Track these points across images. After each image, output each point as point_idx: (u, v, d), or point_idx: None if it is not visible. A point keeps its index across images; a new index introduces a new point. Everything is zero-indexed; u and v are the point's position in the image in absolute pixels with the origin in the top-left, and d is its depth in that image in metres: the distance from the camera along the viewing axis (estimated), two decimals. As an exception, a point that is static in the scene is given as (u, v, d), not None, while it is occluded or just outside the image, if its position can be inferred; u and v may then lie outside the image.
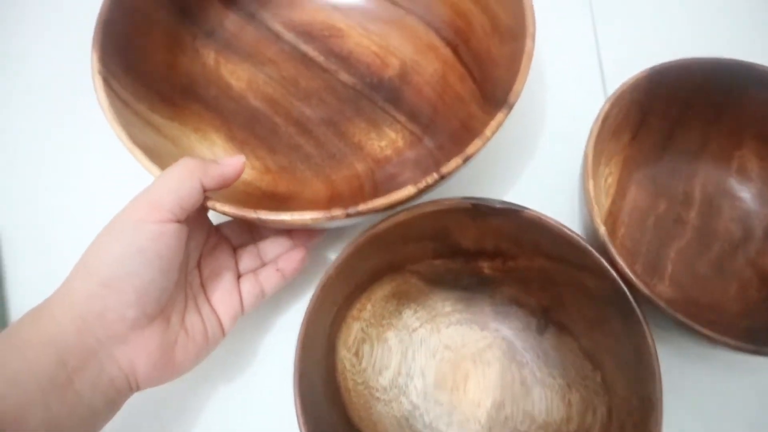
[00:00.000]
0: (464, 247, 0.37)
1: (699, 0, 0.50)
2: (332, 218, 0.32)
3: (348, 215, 0.32)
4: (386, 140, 0.43)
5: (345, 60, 0.46)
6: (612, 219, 0.41)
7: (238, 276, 0.38)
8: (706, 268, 0.40)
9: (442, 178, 0.33)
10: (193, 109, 0.42)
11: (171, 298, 0.32)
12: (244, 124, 0.43)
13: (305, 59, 0.46)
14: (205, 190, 0.32)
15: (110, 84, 0.37)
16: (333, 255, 0.43)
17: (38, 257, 0.44)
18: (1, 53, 0.52)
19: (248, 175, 0.41)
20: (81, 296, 0.29)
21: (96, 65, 0.36)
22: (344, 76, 0.45)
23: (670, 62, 0.38)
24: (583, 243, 0.33)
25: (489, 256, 0.38)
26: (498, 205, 0.34)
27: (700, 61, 0.38)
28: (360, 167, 0.42)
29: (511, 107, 0.35)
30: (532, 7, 0.37)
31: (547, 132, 0.46)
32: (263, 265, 0.39)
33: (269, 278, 0.38)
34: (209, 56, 0.45)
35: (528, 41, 0.36)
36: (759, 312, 0.37)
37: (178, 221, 0.31)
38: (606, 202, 0.41)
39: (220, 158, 0.35)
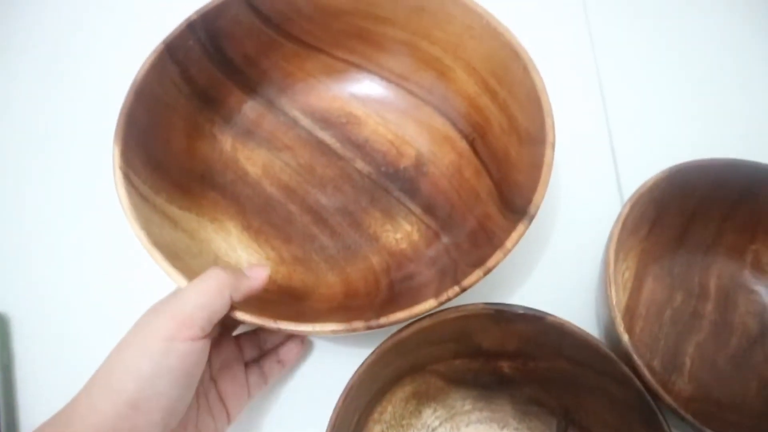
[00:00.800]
0: (485, 348, 0.38)
1: (712, 104, 0.52)
2: (353, 330, 0.32)
3: (369, 328, 0.32)
4: (401, 233, 0.43)
5: (361, 148, 0.46)
6: (629, 313, 0.41)
7: (245, 364, 0.38)
8: (725, 363, 0.40)
9: (463, 290, 0.33)
10: (209, 197, 0.42)
11: (189, 406, 0.32)
12: (259, 212, 0.44)
13: (322, 146, 0.46)
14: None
15: (130, 179, 0.36)
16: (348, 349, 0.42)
17: (48, 346, 0.43)
18: (20, 136, 0.52)
19: (263, 266, 0.41)
20: (107, 417, 0.28)
21: (117, 160, 0.36)
22: (360, 165, 0.46)
23: (688, 162, 0.40)
24: (607, 351, 0.33)
25: (510, 356, 0.38)
26: (521, 311, 0.35)
27: (716, 162, 0.40)
28: (375, 260, 0.42)
29: (531, 219, 0.35)
30: (551, 114, 0.38)
31: (562, 233, 0.46)
32: (263, 353, 0.39)
33: (272, 369, 0.39)
34: (226, 142, 0.45)
35: (548, 150, 0.37)
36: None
37: (206, 336, 0.30)
38: (624, 297, 0.42)
39: (248, 267, 0.35)
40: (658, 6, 0.57)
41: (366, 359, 0.33)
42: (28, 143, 0.51)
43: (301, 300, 0.39)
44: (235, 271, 0.33)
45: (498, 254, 0.34)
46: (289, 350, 0.39)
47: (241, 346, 0.38)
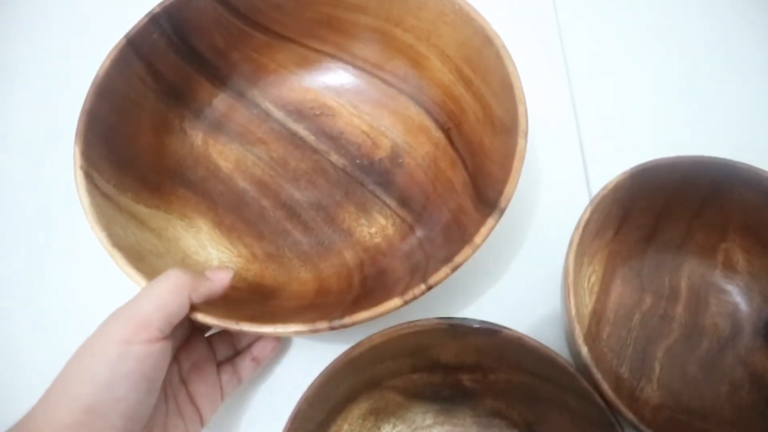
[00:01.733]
0: (443, 362, 0.36)
1: (681, 100, 0.50)
2: (316, 331, 0.32)
3: (332, 328, 0.32)
4: (376, 227, 0.42)
5: (335, 140, 0.45)
6: (597, 318, 0.40)
7: (217, 364, 0.37)
8: (695, 368, 0.39)
9: (429, 288, 0.33)
10: (179, 194, 0.42)
11: (154, 409, 0.31)
12: (231, 208, 0.43)
13: (295, 139, 0.45)
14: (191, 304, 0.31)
15: (92, 178, 0.36)
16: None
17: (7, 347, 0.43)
18: None
19: (235, 264, 0.40)
20: (65, 424, 0.27)
21: (78, 160, 0.36)
22: (335, 157, 0.45)
23: (651, 162, 0.37)
24: (566, 365, 0.32)
25: (469, 369, 0.36)
26: (476, 326, 0.33)
27: (681, 160, 0.37)
28: (349, 256, 0.41)
29: (502, 212, 0.34)
30: (524, 101, 0.37)
31: (531, 232, 0.45)
32: (237, 352, 0.39)
33: (246, 368, 0.38)
34: (197, 137, 0.44)
35: (521, 140, 0.36)
36: (751, 419, 0.36)
37: (165, 338, 0.30)
38: (590, 302, 0.40)
39: (210, 270, 0.34)
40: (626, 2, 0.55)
41: (314, 380, 0.32)
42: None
43: (271, 298, 0.39)
44: (196, 272, 0.33)
45: (466, 250, 0.33)
46: (263, 347, 0.39)
47: (213, 347, 0.38)
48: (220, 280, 0.33)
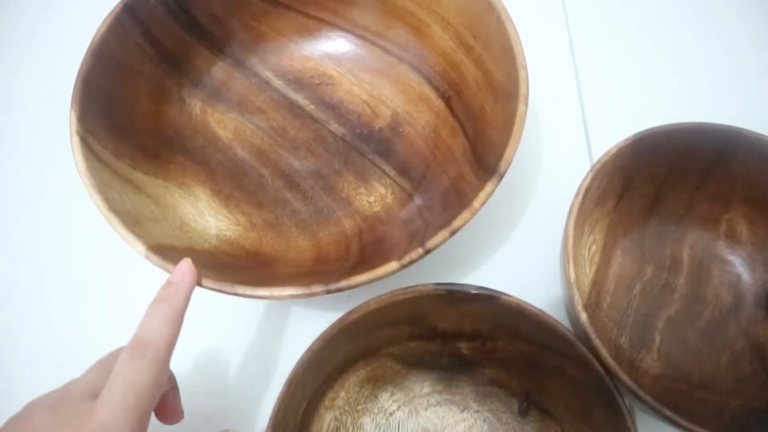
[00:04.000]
0: (441, 330, 0.36)
1: (684, 66, 0.49)
2: (312, 294, 0.31)
3: (328, 292, 0.32)
4: (375, 195, 0.42)
5: (335, 109, 0.45)
6: (597, 288, 0.39)
7: None
8: (696, 338, 0.38)
9: (427, 252, 0.32)
10: (177, 162, 0.41)
11: None
12: (230, 177, 0.43)
13: (294, 108, 0.45)
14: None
15: (89, 143, 0.36)
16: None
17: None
18: None
19: (233, 232, 0.40)
20: None
21: (74, 125, 0.35)
22: (334, 126, 0.44)
23: (653, 129, 0.36)
24: (565, 331, 0.31)
25: (467, 337, 0.36)
26: (474, 291, 0.32)
27: (684, 127, 0.36)
28: (348, 224, 0.41)
29: (501, 177, 0.34)
30: (525, 66, 0.36)
31: (533, 200, 0.44)
32: None
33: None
34: (196, 105, 0.44)
35: (521, 105, 0.35)
36: (751, 389, 0.36)
37: None
38: (590, 272, 0.39)
39: (174, 270, 0.31)
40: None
41: (310, 346, 0.31)
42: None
43: (268, 265, 0.38)
44: (163, 290, 0.30)
45: (465, 214, 0.33)
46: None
47: None
48: (188, 275, 0.31)
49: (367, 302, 0.32)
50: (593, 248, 0.40)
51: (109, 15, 0.38)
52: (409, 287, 0.33)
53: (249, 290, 0.31)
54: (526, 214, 0.44)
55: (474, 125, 0.40)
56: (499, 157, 0.34)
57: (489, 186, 0.33)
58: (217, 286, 0.32)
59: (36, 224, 0.45)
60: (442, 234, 0.32)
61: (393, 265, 0.32)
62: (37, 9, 0.55)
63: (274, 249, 0.40)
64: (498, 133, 0.37)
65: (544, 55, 0.48)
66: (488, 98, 0.40)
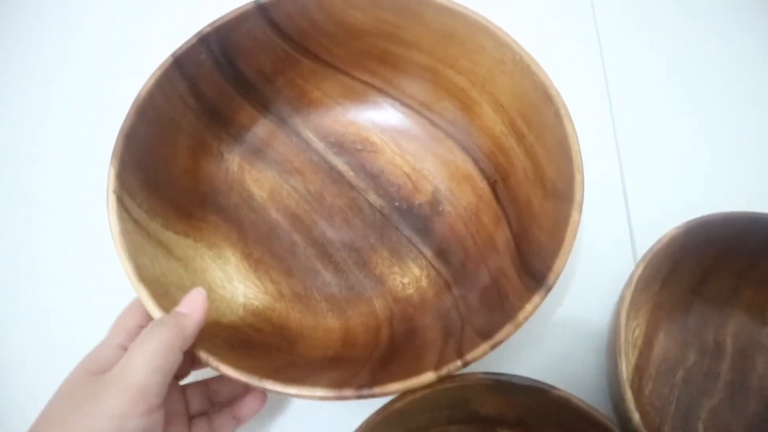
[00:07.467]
0: (483, 414, 0.35)
1: (724, 158, 0.49)
2: (342, 398, 0.30)
3: (360, 397, 0.30)
4: (409, 277, 0.41)
5: (375, 178, 0.44)
6: (639, 374, 0.38)
7: (189, 418, 0.34)
8: (742, 431, 0.37)
9: (466, 364, 0.31)
10: (210, 221, 0.40)
11: None
12: (261, 240, 0.41)
13: (333, 173, 0.44)
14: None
15: (124, 203, 0.34)
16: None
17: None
18: (13, 146, 0.49)
19: (260, 301, 0.39)
20: None
21: (112, 183, 0.34)
22: (372, 197, 0.43)
23: (705, 217, 0.37)
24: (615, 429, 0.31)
25: (510, 424, 0.36)
26: (523, 383, 0.32)
27: (734, 216, 0.37)
28: (379, 305, 0.40)
29: (549, 290, 0.32)
30: (582, 170, 0.35)
31: (573, 293, 0.43)
32: (213, 405, 0.35)
33: (224, 425, 0.34)
34: (234, 161, 0.43)
35: (575, 211, 0.34)
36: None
37: (162, 404, 0.27)
38: (633, 356, 0.39)
39: (183, 300, 0.31)
40: (675, 51, 0.53)
41: (358, 429, 0.31)
42: (23, 155, 0.49)
43: (295, 343, 0.37)
44: (172, 315, 0.30)
45: (508, 327, 0.31)
46: (248, 407, 0.35)
47: (187, 398, 0.34)
48: (198, 311, 0.30)
49: (413, 390, 0.31)
50: (636, 332, 0.39)
51: (158, 68, 0.37)
52: (456, 375, 0.32)
53: (278, 386, 0.30)
54: (566, 300, 0.43)
55: (519, 217, 0.39)
56: (548, 267, 0.33)
57: (536, 298, 0.32)
58: (244, 377, 0.30)
59: (40, 230, 0.45)
60: (483, 347, 0.31)
61: (429, 376, 0.30)
62: (84, 58, 0.54)
63: (301, 325, 0.38)
64: (546, 236, 0.35)
65: (587, 138, 0.47)
66: (537, 192, 0.38)
